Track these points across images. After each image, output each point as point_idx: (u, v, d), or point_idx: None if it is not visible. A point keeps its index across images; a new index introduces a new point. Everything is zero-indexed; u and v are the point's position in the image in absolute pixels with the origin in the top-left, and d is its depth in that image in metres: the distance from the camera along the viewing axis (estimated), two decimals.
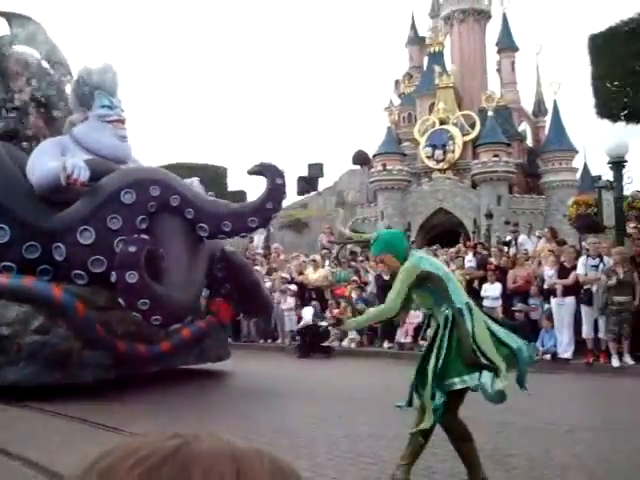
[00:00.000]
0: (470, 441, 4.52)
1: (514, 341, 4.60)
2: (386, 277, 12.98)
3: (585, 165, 56.10)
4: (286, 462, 0.66)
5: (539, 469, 4.99)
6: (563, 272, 12.40)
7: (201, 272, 9.75)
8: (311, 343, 14.56)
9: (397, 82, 67.13)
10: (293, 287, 16.51)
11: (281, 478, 0.64)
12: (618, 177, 13.53)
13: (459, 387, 4.41)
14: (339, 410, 7.51)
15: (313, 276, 16.87)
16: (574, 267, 12.22)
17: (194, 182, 10.77)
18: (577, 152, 58.57)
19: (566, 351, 12.13)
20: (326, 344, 14.61)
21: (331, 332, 14.39)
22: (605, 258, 11.94)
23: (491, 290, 14.05)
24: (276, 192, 9.96)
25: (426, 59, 63.90)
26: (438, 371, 4.43)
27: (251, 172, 10.14)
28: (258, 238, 24.63)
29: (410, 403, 4.69)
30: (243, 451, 0.64)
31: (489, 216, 34.03)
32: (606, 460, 5.26)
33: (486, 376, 4.31)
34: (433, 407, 4.36)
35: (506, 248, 17.39)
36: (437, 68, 59.21)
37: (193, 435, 0.65)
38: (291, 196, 54.84)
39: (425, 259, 4.84)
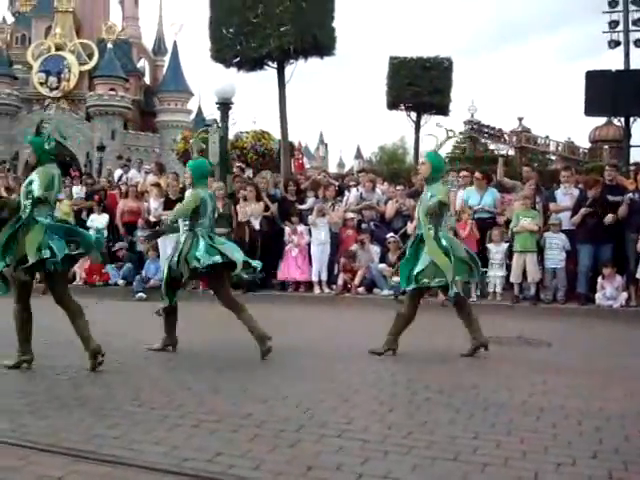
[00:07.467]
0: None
1: None
2: None
3: (200, 108, 57.98)
4: None
5: None
6: (169, 204, 12.75)
7: None
8: None
9: None
10: None
11: None
12: (224, 118, 14.36)
13: None
14: None
15: None
16: (179, 199, 12.63)
17: None
18: (193, 95, 60.25)
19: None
20: None
21: None
22: None
23: (97, 221, 14.02)
24: None
25: None
26: None
27: None
28: None
29: None
30: None
31: (101, 149, 33.44)
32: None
33: None
34: None
35: (117, 181, 17.44)
36: None
37: None
38: None
39: None
